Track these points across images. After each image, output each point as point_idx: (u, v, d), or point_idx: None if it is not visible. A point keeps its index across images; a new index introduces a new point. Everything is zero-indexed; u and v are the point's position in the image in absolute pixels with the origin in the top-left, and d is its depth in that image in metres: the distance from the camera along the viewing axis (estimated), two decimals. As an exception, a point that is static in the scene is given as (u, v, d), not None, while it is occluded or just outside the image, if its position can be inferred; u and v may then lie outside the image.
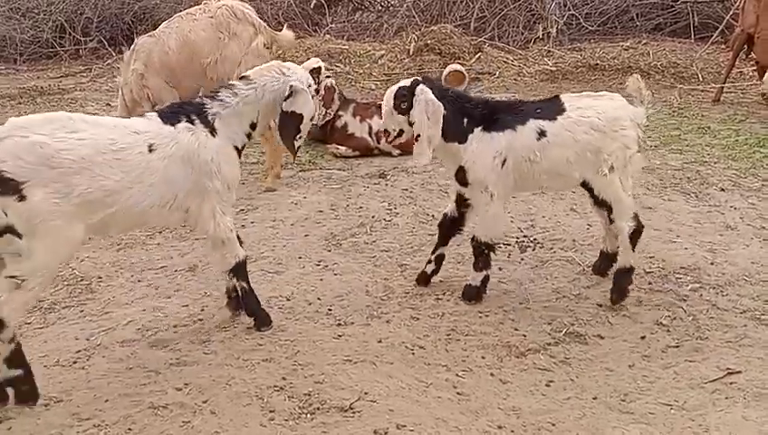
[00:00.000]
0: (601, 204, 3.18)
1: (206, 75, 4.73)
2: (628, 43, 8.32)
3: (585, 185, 3.17)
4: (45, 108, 6.99)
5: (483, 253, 3.17)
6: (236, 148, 2.86)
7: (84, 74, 8.38)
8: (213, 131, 2.76)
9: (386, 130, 3.14)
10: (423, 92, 3.00)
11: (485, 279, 3.21)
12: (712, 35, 8.19)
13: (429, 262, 3.39)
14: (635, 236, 3.16)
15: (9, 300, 2.37)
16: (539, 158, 3.04)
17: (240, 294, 2.97)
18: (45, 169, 2.36)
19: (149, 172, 2.59)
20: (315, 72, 5.73)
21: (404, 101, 3.03)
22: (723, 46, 8.00)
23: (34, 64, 8.94)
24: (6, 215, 2.32)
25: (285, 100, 2.86)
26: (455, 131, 3.05)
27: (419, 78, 3.11)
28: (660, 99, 6.79)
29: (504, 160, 3.04)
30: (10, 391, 2.51)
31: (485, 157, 3.03)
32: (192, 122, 2.73)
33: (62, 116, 2.49)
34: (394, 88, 3.09)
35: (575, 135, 3.04)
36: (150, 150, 2.60)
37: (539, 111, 3.10)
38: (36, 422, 2.46)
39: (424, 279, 3.39)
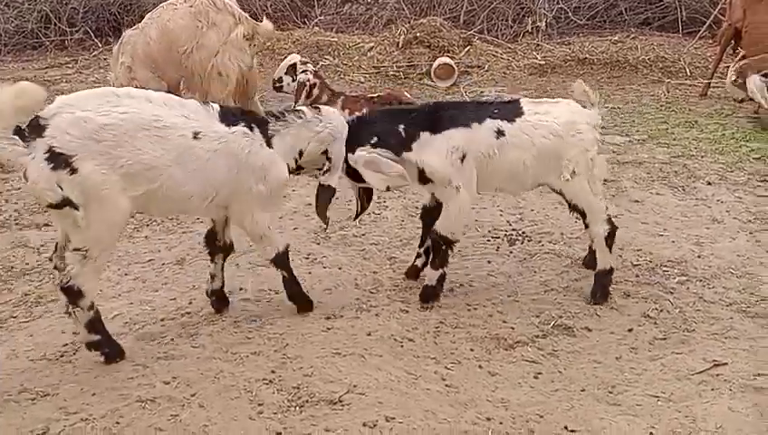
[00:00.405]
0: (574, 209, 3.18)
1: (183, 64, 4.67)
2: (616, 38, 8.34)
3: (555, 190, 3.17)
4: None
5: (440, 248, 3.12)
6: (287, 164, 2.93)
7: (70, 65, 8.29)
8: (269, 143, 2.86)
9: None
10: (363, 163, 2.95)
11: (442, 278, 3.17)
12: (700, 30, 8.24)
13: (418, 256, 3.39)
14: (610, 237, 3.16)
15: (80, 271, 2.57)
16: (497, 156, 3.03)
17: (283, 280, 3.08)
18: (92, 143, 2.48)
19: (192, 158, 2.67)
20: (291, 68, 5.72)
21: (350, 175, 3.07)
22: (710, 41, 8.06)
23: (19, 55, 8.82)
24: (62, 188, 2.44)
25: (323, 174, 2.95)
26: (395, 146, 3.01)
27: (332, 131, 2.98)
28: (648, 93, 6.83)
29: (464, 156, 3.01)
30: (94, 353, 2.72)
31: (439, 156, 3.00)
32: (251, 129, 2.82)
33: (108, 91, 2.63)
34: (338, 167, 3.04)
35: (533, 138, 3.04)
36: (195, 137, 2.67)
37: (497, 111, 3.09)
38: (23, 416, 2.44)
39: (414, 273, 3.39)
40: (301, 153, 2.95)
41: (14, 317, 3.11)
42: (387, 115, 3.17)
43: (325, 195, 3.00)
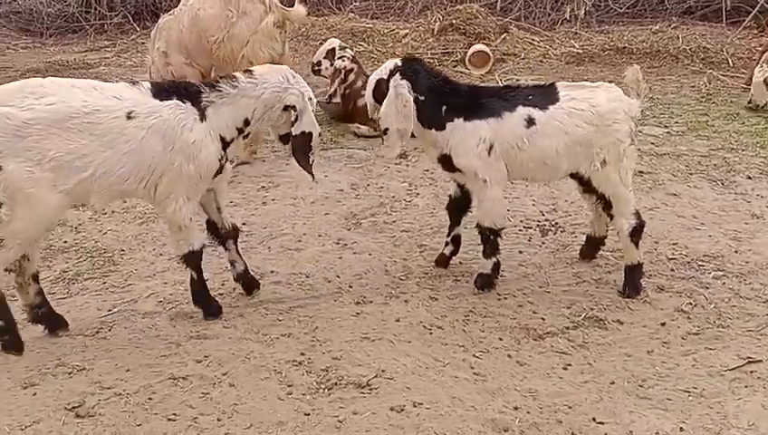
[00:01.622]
0: (600, 198, 3.12)
1: (213, 54, 4.67)
2: (657, 27, 8.14)
3: (574, 175, 3.12)
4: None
5: (489, 239, 3.12)
6: (223, 139, 2.79)
7: (109, 49, 8.43)
8: (203, 117, 2.73)
9: (372, 119, 3.12)
10: (395, 86, 2.95)
11: (496, 265, 3.16)
12: (744, 20, 7.99)
13: (447, 244, 3.38)
14: (636, 233, 3.08)
15: None
16: (527, 145, 2.98)
17: (190, 282, 2.92)
18: (16, 140, 2.42)
19: (124, 139, 2.58)
20: (330, 52, 5.70)
21: (382, 94, 3.00)
22: (755, 31, 7.81)
23: (60, 38, 9.00)
24: None
25: (293, 124, 2.83)
26: (432, 118, 3.00)
27: (398, 64, 3.02)
28: (688, 84, 6.67)
29: (491, 147, 2.98)
30: None
31: (467, 146, 2.98)
32: (183, 102, 2.70)
33: (33, 82, 2.54)
34: (373, 79, 3.05)
35: (566, 127, 2.98)
36: (129, 118, 2.59)
37: (530, 97, 3.03)
38: (60, 389, 2.52)
39: (443, 261, 3.38)
40: (246, 121, 2.81)
41: (52, 294, 3.20)
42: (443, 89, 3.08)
43: (302, 143, 2.86)
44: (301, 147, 2.87)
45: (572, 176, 3.15)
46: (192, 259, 2.86)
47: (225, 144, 2.81)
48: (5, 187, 2.45)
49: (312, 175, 2.97)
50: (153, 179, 2.69)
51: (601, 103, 3.01)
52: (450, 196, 3.28)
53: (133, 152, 2.60)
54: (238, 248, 3.10)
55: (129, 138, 2.59)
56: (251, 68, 2.92)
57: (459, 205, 3.25)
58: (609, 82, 3.21)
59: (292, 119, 2.82)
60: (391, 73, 3.00)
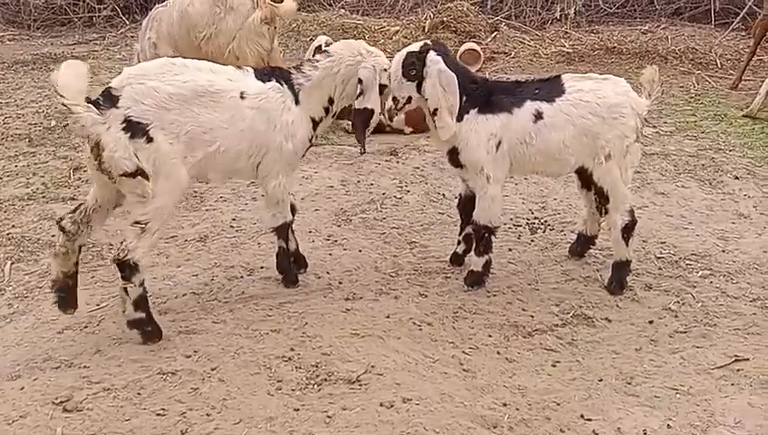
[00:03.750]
0: (598, 193, 3.13)
1: (201, 49, 4.64)
2: (646, 27, 8.20)
3: (578, 170, 3.13)
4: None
5: (483, 237, 3.12)
6: (313, 119, 2.97)
7: (98, 42, 8.35)
8: (296, 100, 2.91)
9: (394, 98, 3.04)
10: (435, 62, 2.92)
11: (487, 264, 3.16)
12: (733, 21, 8.06)
13: (459, 242, 3.37)
14: (628, 230, 3.10)
15: (138, 245, 2.58)
16: (534, 141, 2.99)
17: (277, 251, 3.13)
18: (163, 112, 2.56)
19: (241, 118, 2.75)
20: (317, 50, 5.70)
21: (413, 68, 2.95)
22: (744, 33, 7.88)
23: (48, 31, 8.90)
24: (138, 157, 2.49)
25: (357, 97, 2.93)
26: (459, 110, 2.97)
27: (429, 43, 3.02)
28: (677, 84, 6.71)
29: (499, 143, 2.99)
30: (135, 332, 2.71)
31: (479, 139, 2.97)
32: (281, 84, 2.89)
33: (167, 61, 2.71)
34: (402, 53, 3.00)
35: (572, 118, 2.98)
36: (242, 97, 2.77)
37: (537, 91, 3.03)
38: (47, 384, 2.50)
39: (456, 259, 3.37)
40: (331, 100, 2.98)
41: (40, 288, 3.18)
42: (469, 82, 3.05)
43: (362, 118, 2.97)
44: (361, 121, 2.97)
45: (576, 171, 3.15)
46: (284, 230, 3.09)
47: (315, 124, 2.99)
48: (155, 158, 2.53)
49: (364, 148, 3.15)
50: (257, 158, 2.86)
51: (608, 95, 3.01)
52: (460, 194, 3.27)
53: (247, 130, 2.78)
54: (292, 227, 3.19)
55: (244, 116, 2.76)
56: (327, 48, 3.04)
57: (467, 202, 3.23)
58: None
59: (358, 92, 2.93)
60: (425, 48, 2.96)
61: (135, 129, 2.51)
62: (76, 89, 2.42)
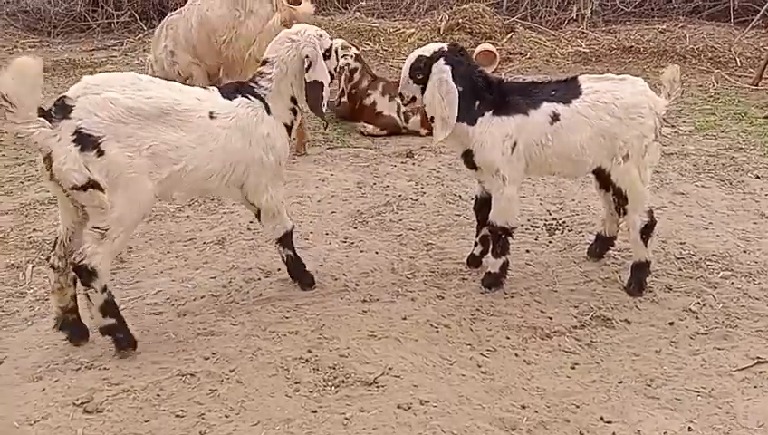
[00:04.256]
0: (617, 193, 3.11)
1: (222, 54, 4.67)
2: (664, 26, 8.14)
3: (595, 170, 3.11)
4: (78, 80, 7.07)
5: (500, 238, 3.10)
6: (286, 125, 2.97)
7: (116, 48, 8.46)
8: (267, 109, 2.89)
9: (400, 93, 3.11)
10: (439, 71, 2.93)
11: (505, 265, 3.15)
12: (752, 19, 7.97)
13: (476, 244, 3.36)
14: (647, 230, 3.07)
15: (96, 250, 2.53)
16: (551, 142, 2.97)
17: (286, 261, 3.14)
18: (119, 125, 2.49)
19: (211, 137, 2.72)
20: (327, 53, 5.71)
21: (420, 72, 2.98)
22: (764, 30, 7.78)
23: (67, 37, 9.03)
24: (89, 169, 2.44)
25: (307, 71, 2.92)
26: (466, 112, 2.96)
27: (444, 48, 3.00)
28: (696, 83, 6.65)
29: (515, 144, 2.97)
30: (108, 339, 2.67)
31: (494, 141, 2.96)
32: (249, 98, 2.86)
33: (130, 76, 2.63)
34: (415, 54, 3.03)
35: (590, 119, 2.95)
36: (211, 117, 2.73)
37: (554, 92, 3.01)
38: (68, 385, 2.52)
39: (474, 261, 3.36)
40: (294, 100, 2.97)
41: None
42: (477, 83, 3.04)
43: (314, 91, 2.95)
44: (314, 93, 2.96)
45: (594, 171, 3.13)
46: (287, 240, 3.09)
47: (289, 129, 2.99)
48: (109, 171, 2.48)
49: (326, 121, 3.15)
50: (236, 176, 2.83)
51: (626, 96, 2.98)
52: (476, 196, 3.26)
53: (219, 150, 2.74)
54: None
55: (216, 136, 2.73)
56: (265, 57, 2.99)
57: (484, 204, 3.21)
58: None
59: (306, 66, 2.92)
60: (435, 56, 2.97)
61: (85, 141, 2.42)
62: (27, 103, 2.34)
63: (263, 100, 2.89)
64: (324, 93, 2.99)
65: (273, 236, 3.07)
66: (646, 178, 3.05)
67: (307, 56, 2.91)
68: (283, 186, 3.02)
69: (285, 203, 3.04)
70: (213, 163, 2.74)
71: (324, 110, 3.02)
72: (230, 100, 2.82)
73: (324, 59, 2.98)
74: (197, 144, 2.68)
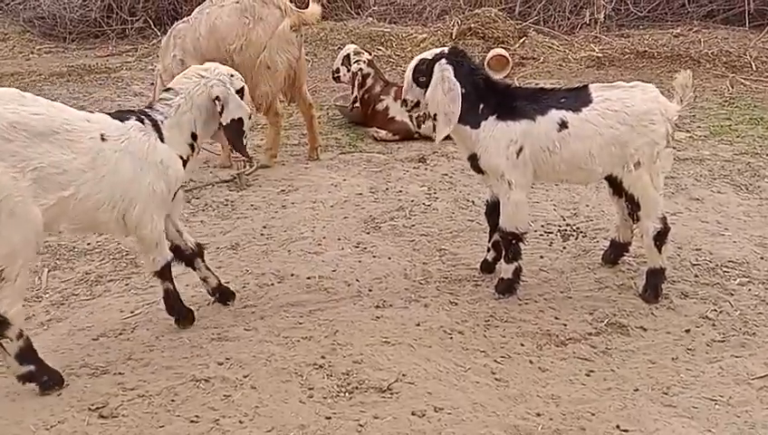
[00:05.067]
0: (629, 200, 3.08)
1: (232, 61, 4.68)
2: (678, 30, 8.08)
3: (607, 177, 3.10)
4: (93, 86, 7.15)
5: (510, 244, 3.09)
6: (181, 157, 2.77)
7: (130, 54, 8.53)
8: (161, 136, 2.71)
9: (404, 100, 3.11)
10: (441, 70, 2.93)
11: (518, 271, 3.13)
12: (768, 23, 7.90)
13: (488, 250, 3.34)
14: (660, 237, 3.04)
15: (1, 297, 2.33)
16: (559, 149, 2.96)
17: (163, 294, 2.88)
18: (1, 142, 2.29)
19: (102, 162, 2.52)
20: (346, 58, 5.75)
21: (422, 75, 2.98)
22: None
23: (82, 43, 9.11)
24: None
25: (221, 114, 2.77)
26: (469, 115, 2.96)
27: (445, 51, 3.01)
28: (710, 88, 6.60)
29: (520, 149, 2.96)
30: (32, 385, 2.49)
31: (498, 145, 2.95)
32: (142, 122, 2.68)
33: (15, 92, 2.43)
34: (416, 59, 3.04)
35: (599, 128, 2.94)
36: (103, 139, 2.54)
37: (563, 100, 3.00)
38: (84, 390, 2.54)
39: (487, 267, 3.34)
40: (194, 136, 2.79)
41: (76, 295, 3.24)
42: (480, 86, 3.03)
43: (234, 129, 2.80)
44: (234, 133, 2.82)
45: (606, 177, 3.12)
46: (167, 272, 2.84)
47: (184, 163, 2.78)
48: None
49: (249, 157, 2.94)
50: (124, 205, 2.61)
51: (637, 103, 2.96)
52: (487, 201, 3.24)
53: (110, 175, 2.53)
54: (207, 264, 3.05)
55: (107, 160, 2.53)
56: (168, 85, 2.87)
57: (496, 209, 3.19)
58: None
59: (219, 109, 2.77)
60: (436, 57, 2.97)
61: None
62: None
63: (157, 126, 2.70)
64: (245, 128, 2.83)
65: (153, 268, 2.78)
66: (658, 185, 3.03)
67: (218, 97, 2.75)
68: (165, 216, 2.78)
69: (164, 235, 2.79)
70: (104, 192, 2.52)
71: (245, 144, 2.86)
72: (121, 121, 2.63)
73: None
74: (89, 168, 2.47)
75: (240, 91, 2.86)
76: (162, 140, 2.70)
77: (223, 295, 3.10)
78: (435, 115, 3.01)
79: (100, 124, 2.57)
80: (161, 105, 2.76)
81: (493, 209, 3.21)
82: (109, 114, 2.69)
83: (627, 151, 2.96)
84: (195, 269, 3.03)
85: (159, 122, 2.72)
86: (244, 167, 4.69)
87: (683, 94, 3.05)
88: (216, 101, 2.76)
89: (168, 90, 2.82)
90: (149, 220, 2.69)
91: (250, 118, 2.91)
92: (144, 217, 2.67)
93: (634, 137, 2.95)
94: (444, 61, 2.96)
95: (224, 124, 2.80)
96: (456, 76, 2.94)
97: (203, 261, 3.04)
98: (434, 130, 3.15)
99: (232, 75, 2.87)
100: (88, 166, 2.48)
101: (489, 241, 3.33)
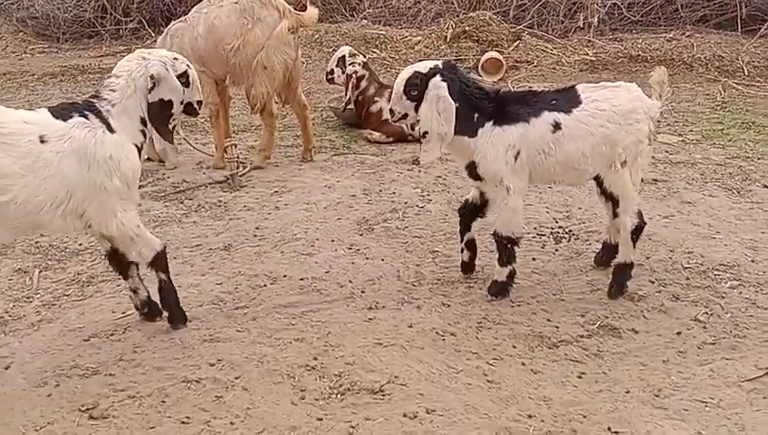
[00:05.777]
0: (609, 197, 3.13)
1: (229, 61, 4.68)
2: (671, 35, 8.13)
3: (596, 178, 3.13)
4: (86, 86, 7.13)
5: (506, 248, 3.10)
6: (135, 145, 2.70)
7: (124, 54, 8.44)
8: (109, 127, 2.63)
9: (390, 110, 3.07)
10: (436, 88, 2.91)
11: (511, 274, 3.14)
12: (760, 28, 7.95)
13: (462, 250, 3.36)
14: (636, 232, 3.12)
15: None
16: (554, 151, 2.98)
17: (159, 285, 2.84)
18: None
19: (43, 164, 2.44)
20: (341, 60, 5.76)
21: (415, 88, 2.95)
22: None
23: (76, 43, 9.10)
24: None
25: (150, 91, 2.70)
26: (465, 125, 2.97)
27: (439, 66, 2.98)
28: (703, 92, 6.64)
29: (518, 153, 2.97)
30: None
31: (497, 151, 2.96)
32: (86, 117, 2.59)
33: None
34: (409, 70, 2.99)
35: (591, 128, 2.97)
36: (42, 142, 2.46)
37: (554, 102, 3.02)
38: (74, 390, 2.53)
39: (466, 267, 3.35)
40: (143, 121, 2.71)
41: (67, 295, 3.22)
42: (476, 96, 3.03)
43: (158, 110, 2.72)
44: (157, 113, 2.73)
45: (594, 178, 3.15)
46: (160, 262, 2.78)
47: (138, 150, 2.72)
48: None
49: (173, 142, 2.92)
50: (72, 205, 2.54)
51: (623, 102, 3.01)
52: (467, 199, 3.25)
53: (52, 177, 2.46)
54: (140, 275, 2.94)
55: (48, 162, 2.45)
56: (113, 73, 2.76)
57: (473, 210, 3.22)
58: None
59: (149, 86, 2.69)
60: (430, 73, 2.94)
61: None
62: None
63: (102, 117, 2.61)
64: (174, 111, 2.78)
65: (144, 260, 2.75)
66: (636, 181, 3.09)
67: (152, 75, 2.68)
68: (135, 208, 2.72)
69: (142, 225, 2.74)
70: (45, 194, 2.45)
71: (172, 128, 2.81)
72: (63, 120, 2.53)
73: (184, 86, 2.78)
74: (28, 172, 2.40)
75: (183, 76, 2.79)
76: (111, 130, 2.62)
77: (150, 311, 2.96)
78: (425, 133, 2.97)
79: (39, 125, 2.49)
80: (106, 92, 2.68)
81: (471, 210, 3.22)
82: (51, 110, 2.59)
83: (615, 151, 3.00)
84: (126, 279, 2.92)
85: (105, 112, 2.63)
86: (238, 168, 4.69)
87: (660, 90, 3.10)
88: (150, 79, 2.69)
89: (111, 76, 2.74)
90: (111, 218, 2.62)
91: (200, 104, 2.87)
92: (104, 215, 2.61)
93: (623, 135, 2.99)
94: (438, 78, 2.92)
95: (149, 101, 2.71)
96: (449, 92, 2.92)
97: (137, 271, 2.92)
98: (420, 148, 3.11)
99: (176, 59, 2.81)
100: (27, 169, 2.41)
101: (461, 241, 3.32)
